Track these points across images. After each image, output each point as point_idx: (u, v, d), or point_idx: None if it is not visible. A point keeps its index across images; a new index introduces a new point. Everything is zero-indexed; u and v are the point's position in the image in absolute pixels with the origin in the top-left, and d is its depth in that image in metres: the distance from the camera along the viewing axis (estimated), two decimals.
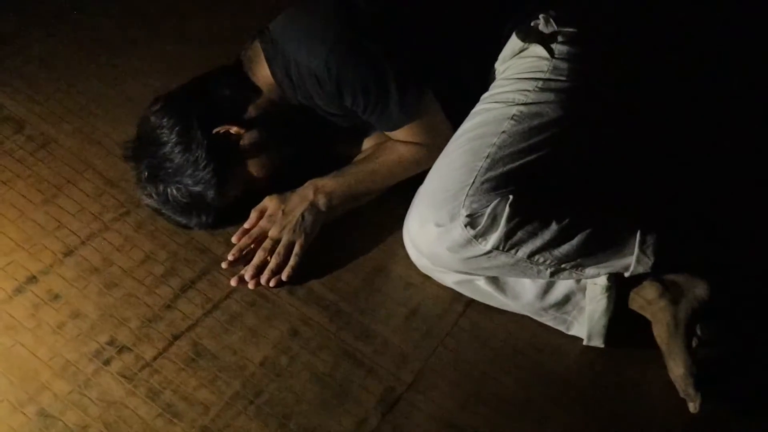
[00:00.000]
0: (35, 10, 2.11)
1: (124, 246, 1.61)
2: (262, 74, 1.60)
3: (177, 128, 1.54)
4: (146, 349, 1.45)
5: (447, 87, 1.62)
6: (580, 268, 1.46)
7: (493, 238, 1.41)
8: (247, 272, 1.56)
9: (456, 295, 1.60)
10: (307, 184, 1.63)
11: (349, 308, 1.57)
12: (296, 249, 1.58)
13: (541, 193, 1.45)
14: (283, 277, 1.56)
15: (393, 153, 1.65)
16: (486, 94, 1.58)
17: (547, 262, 1.44)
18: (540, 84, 1.53)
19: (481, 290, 1.54)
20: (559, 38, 1.57)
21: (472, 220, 1.42)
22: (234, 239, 1.60)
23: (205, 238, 1.65)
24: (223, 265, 1.58)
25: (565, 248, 1.43)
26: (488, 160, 1.45)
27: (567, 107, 1.52)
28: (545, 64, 1.54)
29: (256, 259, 1.57)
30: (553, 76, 1.54)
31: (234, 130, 1.58)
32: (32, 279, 1.53)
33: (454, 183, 1.45)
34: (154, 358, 1.44)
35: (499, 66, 1.61)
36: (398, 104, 1.55)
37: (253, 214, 1.62)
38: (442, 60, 1.61)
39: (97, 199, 1.69)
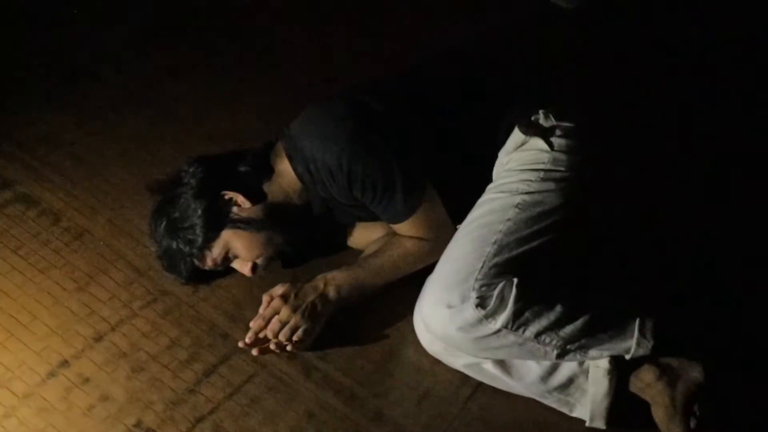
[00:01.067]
0: (73, 111, 2.26)
1: (151, 332, 1.71)
2: (284, 168, 1.73)
3: (198, 176, 1.70)
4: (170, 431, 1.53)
5: (452, 178, 1.73)
6: (584, 350, 1.54)
7: (502, 318, 1.51)
8: (249, 337, 1.65)
9: (464, 379, 1.68)
10: (318, 277, 1.72)
11: (362, 392, 1.65)
12: (301, 333, 1.65)
13: (545, 275, 1.55)
14: (287, 348, 1.66)
15: (399, 248, 1.75)
16: (491, 185, 1.70)
17: (553, 342, 1.52)
18: (541, 175, 1.64)
19: (489, 373, 1.62)
20: (558, 132, 1.69)
21: (482, 301, 1.52)
22: (251, 324, 1.68)
23: (226, 325, 1.75)
24: (240, 344, 1.66)
25: (570, 329, 1.52)
26: (495, 246, 1.57)
27: (567, 195, 1.64)
28: (546, 156, 1.66)
29: (265, 333, 1.66)
30: (553, 167, 1.65)
31: (240, 199, 1.70)
32: (65, 363, 1.63)
33: (464, 267, 1.56)
34: None
35: (503, 158, 1.72)
36: (403, 198, 1.66)
37: (265, 298, 1.70)
38: (446, 155, 1.73)
39: (127, 287, 1.80)
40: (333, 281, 1.71)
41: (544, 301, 1.53)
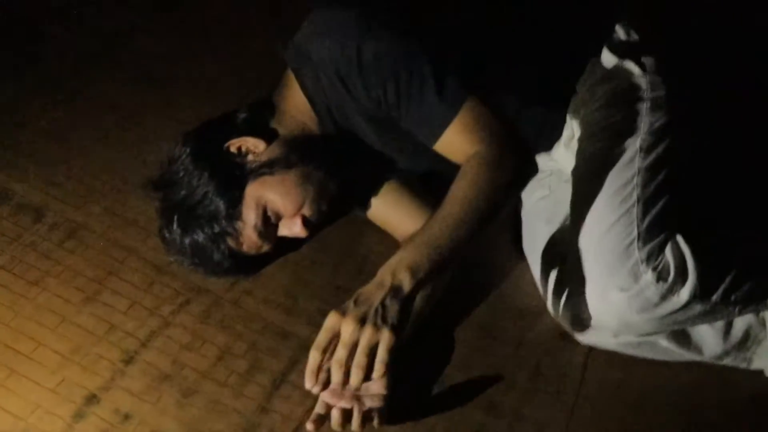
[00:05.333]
0: (33, 77, 1.86)
1: (193, 343, 1.36)
2: (293, 95, 1.42)
3: (191, 142, 1.38)
4: None
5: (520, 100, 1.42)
6: (764, 301, 1.31)
7: (688, 287, 1.23)
8: (321, 406, 1.16)
9: (570, 345, 1.39)
10: (378, 272, 1.20)
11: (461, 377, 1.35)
12: (381, 353, 1.13)
13: (705, 224, 1.30)
14: (375, 423, 1.16)
15: (462, 179, 1.27)
16: (585, 129, 1.41)
17: (737, 299, 1.27)
18: (648, 104, 1.38)
19: (659, 347, 1.34)
20: (644, 48, 1.43)
21: (659, 273, 1.23)
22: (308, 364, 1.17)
23: (283, 320, 1.41)
24: (309, 427, 1.15)
25: (751, 283, 1.28)
26: (641, 205, 1.28)
27: (682, 117, 1.38)
28: (642, 81, 1.40)
29: (333, 383, 1.15)
30: (655, 93, 1.39)
31: (251, 143, 1.37)
32: (92, 398, 1.27)
33: (617, 240, 1.26)
34: None
35: (584, 92, 1.44)
36: (437, 94, 1.28)
37: (321, 335, 1.16)
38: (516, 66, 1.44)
39: (148, 289, 1.43)
40: (401, 265, 1.18)
41: (718, 255, 1.27)
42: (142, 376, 1.30)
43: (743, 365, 1.36)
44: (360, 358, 1.12)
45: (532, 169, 1.41)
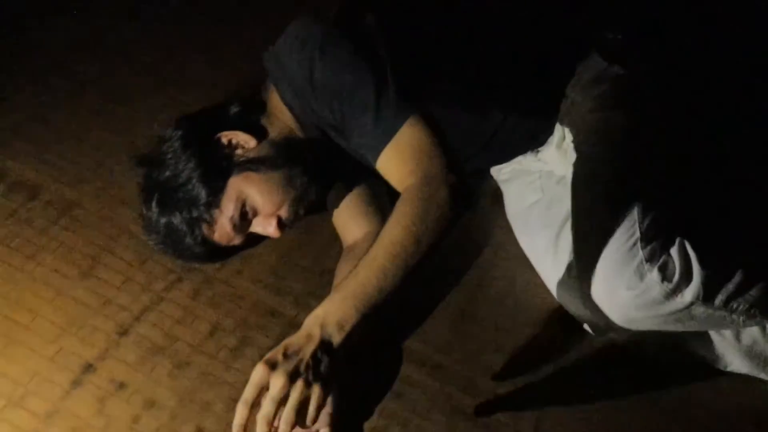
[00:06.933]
0: (23, 63, 1.89)
1: (185, 318, 1.41)
2: (275, 100, 1.45)
3: (185, 126, 1.41)
4: None
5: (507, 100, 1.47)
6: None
7: (692, 288, 1.28)
8: None
9: (551, 333, 1.47)
10: (307, 321, 1.16)
11: (445, 360, 1.41)
12: (312, 411, 1.11)
13: (707, 230, 1.35)
14: None
15: (391, 218, 1.22)
16: (580, 134, 1.45)
17: (740, 308, 1.32)
18: (639, 105, 1.43)
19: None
20: (631, 53, 1.47)
21: (663, 272, 1.27)
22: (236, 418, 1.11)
23: (271, 299, 1.47)
24: None
25: (755, 291, 1.31)
26: (641, 203, 1.31)
27: (676, 119, 1.44)
28: (633, 84, 1.45)
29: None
30: (646, 95, 1.45)
31: (241, 138, 1.41)
32: (89, 367, 1.32)
33: (620, 242, 1.29)
34: None
35: (576, 95, 1.48)
36: (374, 119, 1.28)
37: (249, 390, 1.10)
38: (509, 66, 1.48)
39: (141, 266, 1.48)
40: (330, 317, 1.14)
41: (723, 260, 1.30)
42: (136, 348, 1.35)
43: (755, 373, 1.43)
44: (289, 414, 1.09)
45: (469, 202, 1.31)
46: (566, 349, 1.46)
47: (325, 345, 1.13)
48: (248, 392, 1.09)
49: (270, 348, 1.34)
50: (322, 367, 1.12)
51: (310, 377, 1.10)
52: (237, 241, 1.45)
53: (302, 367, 1.10)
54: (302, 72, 1.34)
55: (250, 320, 1.43)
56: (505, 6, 1.55)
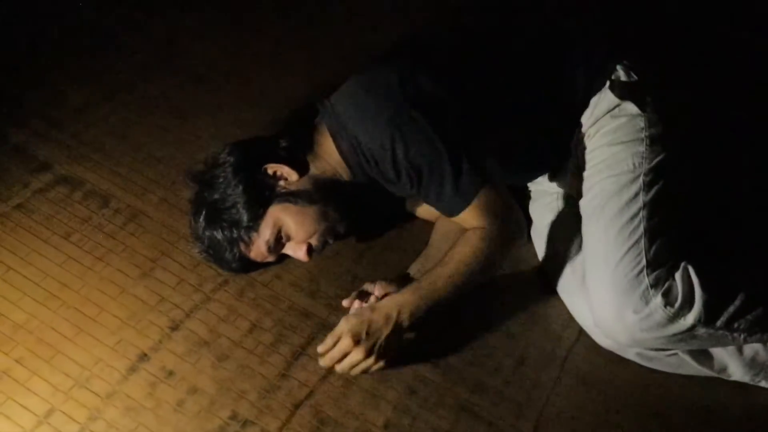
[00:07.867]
0: (101, 82, 2.12)
1: (228, 316, 1.60)
2: (328, 145, 1.59)
3: (237, 153, 1.57)
4: (270, 421, 1.44)
5: (523, 150, 1.63)
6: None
7: (694, 312, 1.42)
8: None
9: (557, 340, 1.61)
10: (388, 304, 1.46)
11: (458, 363, 1.56)
12: (375, 368, 1.47)
13: (707, 250, 1.47)
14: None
15: (466, 246, 1.51)
16: (591, 166, 1.57)
17: (742, 326, 1.44)
18: (648, 143, 1.53)
19: (669, 362, 1.54)
20: (643, 89, 1.57)
21: (666, 298, 1.42)
22: (320, 357, 1.47)
23: (306, 302, 1.65)
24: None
25: (757, 311, 1.43)
26: (648, 235, 1.46)
27: (680, 150, 1.54)
28: (641, 120, 1.55)
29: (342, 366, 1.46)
30: (653, 130, 1.54)
31: (285, 171, 1.56)
32: (144, 357, 1.52)
33: (627, 269, 1.45)
34: (279, 430, 1.43)
35: (589, 128, 1.59)
36: (453, 188, 1.50)
37: (330, 339, 1.45)
38: (515, 125, 1.61)
39: (194, 269, 1.68)
40: (406, 307, 1.46)
41: (724, 283, 1.44)
42: (184, 341, 1.55)
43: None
44: (354, 371, 1.45)
45: (522, 242, 1.64)
46: (571, 355, 1.59)
47: (397, 328, 1.45)
48: (335, 353, 1.43)
49: (302, 346, 1.55)
50: (390, 349, 1.45)
51: (382, 352, 1.44)
52: (270, 259, 1.63)
53: (377, 347, 1.43)
54: (380, 148, 1.50)
55: (285, 320, 1.61)
56: (529, 52, 1.66)
